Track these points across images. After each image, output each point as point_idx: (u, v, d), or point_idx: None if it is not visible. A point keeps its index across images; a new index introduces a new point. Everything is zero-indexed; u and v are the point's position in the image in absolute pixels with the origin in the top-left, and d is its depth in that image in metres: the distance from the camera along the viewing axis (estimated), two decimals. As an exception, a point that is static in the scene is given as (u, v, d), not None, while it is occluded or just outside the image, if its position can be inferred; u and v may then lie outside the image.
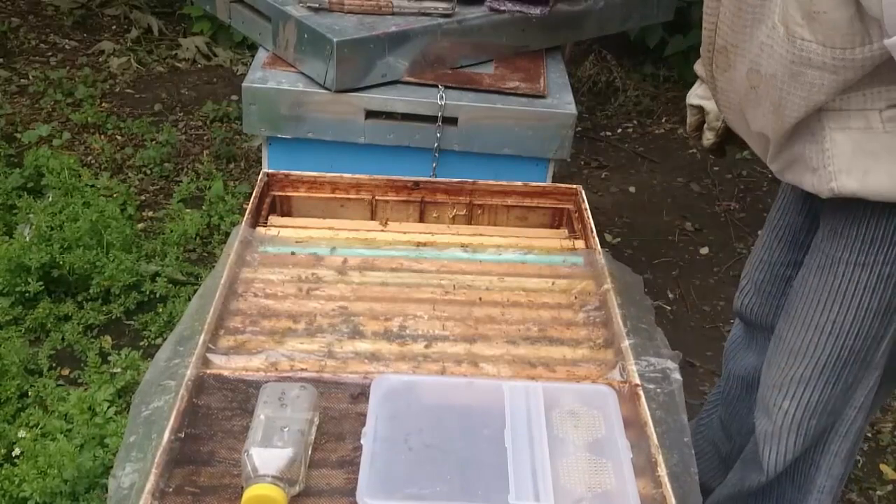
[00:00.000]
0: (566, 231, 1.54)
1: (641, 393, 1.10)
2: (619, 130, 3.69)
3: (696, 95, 1.55)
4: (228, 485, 0.97)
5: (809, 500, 1.49)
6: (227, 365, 1.14)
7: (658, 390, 1.12)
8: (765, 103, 1.23)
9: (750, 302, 1.65)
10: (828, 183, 1.22)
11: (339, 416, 1.07)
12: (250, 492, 0.91)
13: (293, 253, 1.38)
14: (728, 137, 1.55)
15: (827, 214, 1.33)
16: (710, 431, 1.79)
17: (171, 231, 2.67)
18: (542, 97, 1.81)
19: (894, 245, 1.26)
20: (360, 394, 1.09)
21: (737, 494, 1.60)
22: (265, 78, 1.78)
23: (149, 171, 3.10)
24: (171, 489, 0.96)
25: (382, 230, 1.48)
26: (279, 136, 1.80)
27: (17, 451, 1.89)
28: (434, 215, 1.57)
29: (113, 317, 2.37)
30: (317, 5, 1.81)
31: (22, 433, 1.93)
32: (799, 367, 1.38)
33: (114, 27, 4.17)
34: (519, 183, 1.57)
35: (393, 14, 1.83)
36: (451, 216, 1.57)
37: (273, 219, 1.50)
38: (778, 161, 1.30)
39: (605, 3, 2.08)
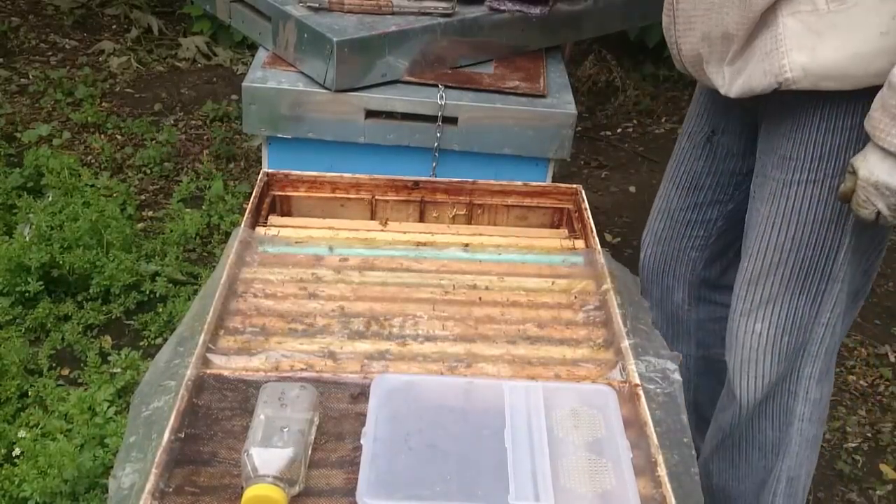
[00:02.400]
0: (566, 231, 1.54)
1: (641, 393, 1.10)
2: (619, 130, 3.69)
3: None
4: (228, 485, 0.97)
5: (791, 431, 1.50)
6: (227, 365, 1.14)
7: (658, 390, 1.12)
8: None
9: (652, 254, 1.76)
10: (779, 61, 1.30)
11: (339, 416, 1.07)
12: (250, 492, 0.91)
13: (293, 253, 1.38)
14: None
15: (769, 144, 1.42)
16: None
17: (171, 231, 2.67)
18: (542, 97, 1.81)
19: (839, 158, 1.35)
20: (360, 394, 1.09)
21: (718, 448, 1.61)
22: (265, 77, 1.78)
23: (149, 171, 3.10)
24: (171, 489, 0.96)
25: (382, 230, 1.48)
26: (279, 135, 1.79)
27: (17, 451, 1.89)
28: (434, 215, 1.57)
29: (113, 317, 2.37)
30: (317, 5, 1.80)
31: (22, 433, 1.93)
32: (765, 288, 1.44)
33: (114, 27, 4.17)
34: (519, 183, 1.56)
35: (393, 14, 1.83)
36: (451, 216, 1.56)
37: (273, 218, 1.50)
38: (737, 62, 1.37)
39: (605, 2, 2.08)
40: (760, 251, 1.44)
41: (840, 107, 1.32)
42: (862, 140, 1.30)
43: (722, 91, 1.41)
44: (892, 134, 1.20)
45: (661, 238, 1.74)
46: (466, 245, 1.43)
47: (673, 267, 1.75)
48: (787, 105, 1.38)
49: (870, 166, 1.25)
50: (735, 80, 1.38)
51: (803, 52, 1.28)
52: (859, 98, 1.29)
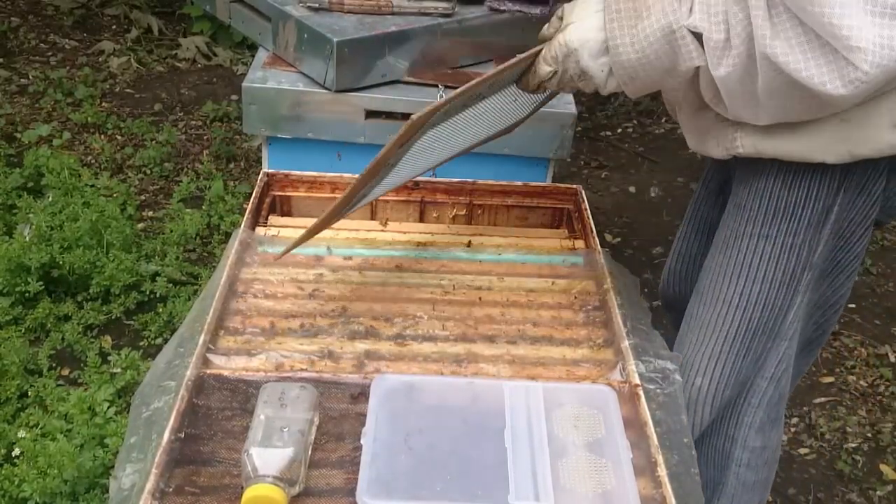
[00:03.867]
0: (566, 231, 1.54)
1: (641, 393, 1.11)
2: (619, 130, 3.69)
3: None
4: (228, 485, 0.97)
5: (728, 474, 1.48)
6: (227, 365, 1.14)
7: (658, 390, 1.12)
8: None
9: (673, 291, 1.72)
10: (731, 137, 1.23)
11: (339, 416, 1.07)
12: (250, 492, 0.91)
13: (293, 253, 1.38)
14: None
15: (733, 192, 1.35)
16: None
17: (171, 231, 2.67)
18: (542, 97, 1.81)
19: (794, 217, 1.27)
20: (360, 394, 1.09)
21: None
22: (265, 78, 1.78)
23: (149, 171, 3.10)
24: (171, 489, 0.96)
25: (382, 230, 1.48)
26: (279, 135, 1.79)
27: (17, 451, 1.89)
28: (434, 215, 1.57)
29: (113, 317, 2.37)
30: (317, 5, 1.80)
31: (22, 433, 1.93)
32: (709, 342, 1.39)
33: (114, 27, 4.17)
34: (519, 183, 1.57)
35: (393, 14, 1.83)
36: (451, 216, 1.57)
37: (273, 219, 1.50)
38: (692, 123, 1.32)
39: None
40: (711, 301, 1.38)
41: (801, 164, 1.23)
42: (821, 200, 1.24)
43: (690, 146, 1.37)
44: (623, 37, 1.14)
45: (682, 278, 1.70)
46: (468, 243, 1.43)
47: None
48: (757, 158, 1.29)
49: (582, 36, 1.17)
50: (693, 139, 1.34)
51: (757, 137, 1.21)
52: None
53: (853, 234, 1.31)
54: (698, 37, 1.10)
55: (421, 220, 1.56)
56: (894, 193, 1.29)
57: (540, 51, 1.22)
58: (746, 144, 1.22)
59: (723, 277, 1.35)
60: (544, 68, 1.22)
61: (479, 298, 1.31)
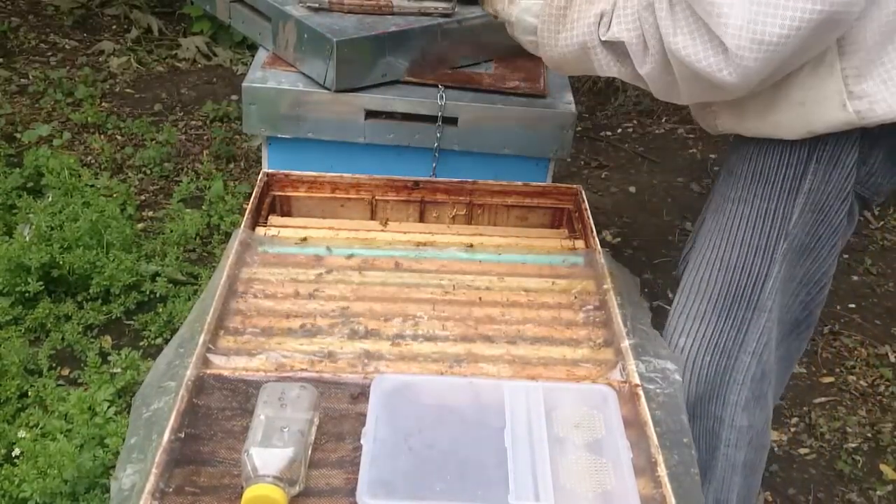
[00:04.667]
0: (566, 231, 1.54)
1: (641, 393, 1.11)
2: (619, 130, 3.69)
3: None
4: (228, 485, 0.97)
5: (717, 455, 1.50)
6: (227, 365, 1.14)
7: (658, 390, 1.12)
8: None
9: None
10: (714, 118, 1.36)
11: (339, 416, 1.07)
12: (250, 492, 0.91)
13: (293, 253, 1.38)
14: None
15: (726, 159, 1.43)
16: None
17: (171, 231, 2.67)
18: (542, 97, 1.81)
19: (769, 181, 1.33)
20: (360, 394, 1.09)
21: None
22: (265, 78, 1.78)
23: (149, 171, 3.10)
24: (171, 489, 0.96)
25: (382, 230, 1.48)
26: (279, 135, 1.79)
27: (17, 451, 1.89)
28: (434, 215, 1.57)
29: (113, 317, 2.37)
30: (317, 5, 1.80)
31: (22, 433, 1.93)
32: (693, 303, 1.43)
33: (114, 27, 4.17)
34: (519, 183, 1.57)
35: (393, 14, 1.83)
36: (451, 216, 1.57)
37: (273, 219, 1.50)
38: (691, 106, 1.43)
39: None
40: (696, 264, 1.44)
41: None
42: (792, 166, 1.31)
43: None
44: (549, 38, 1.33)
45: None
46: (470, 245, 1.43)
47: None
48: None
49: (519, 15, 1.39)
50: (692, 110, 1.44)
51: (732, 118, 1.32)
52: None
53: (830, 208, 1.34)
54: (619, 45, 1.24)
55: (421, 220, 1.56)
56: (877, 170, 1.33)
57: None
58: (725, 126, 1.34)
59: (708, 242, 1.42)
60: (488, 9, 1.49)
61: (479, 298, 1.31)
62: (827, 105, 1.23)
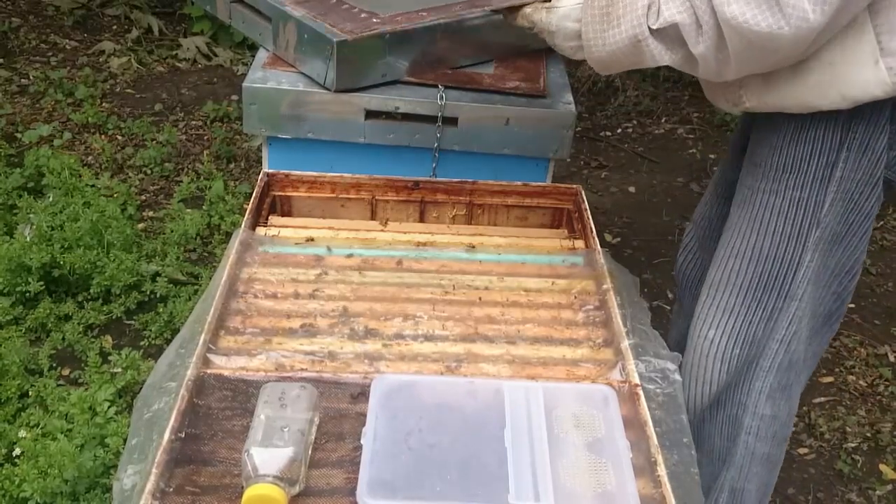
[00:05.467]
0: (566, 231, 1.54)
1: (641, 393, 1.11)
2: (619, 130, 3.69)
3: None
4: (228, 485, 0.97)
5: (738, 443, 1.51)
6: (228, 365, 1.14)
7: (658, 390, 1.12)
8: None
9: (693, 259, 1.78)
10: (737, 92, 1.35)
11: (339, 416, 1.07)
12: (250, 492, 0.91)
13: (293, 253, 1.38)
14: None
15: (749, 150, 1.44)
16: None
17: (172, 231, 2.67)
18: (542, 97, 1.81)
19: (801, 171, 1.34)
20: (360, 394, 1.09)
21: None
22: (265, 78, 1.78)
23: (149, 171, 3.10)
24: (171, 489, 0.96)
25: (382, 230, 1.48)
26: (279, 136, 1.79)
27: (17, 451, 1.89)
28: (434, 215, 1.57)
29: (113, 317, 2.37)
30: (317, 5, 1.81)
31: (22, 433, 1.93)
32: (723, 296, 1.45)
33: (114, 27, 4.17)
34: (519, 183, 1.57)
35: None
36: (451, 216, 1.57)
37: (273, 219, 1.50)
38: (704, 87, 1.45)
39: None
40: (724, 257, 1.45)
41: (805, 117, 1.32)
42: (825, 155, 1.32)
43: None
44: (595, 39, 1.30)
45: (704, 244, 1.75)
46: (471, 245, 1.43)
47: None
48: (769, 116, 1.39)
49: (560, 23, 1.34)
50: (707, 92, 1.44)
51: (757, 90, 1.32)
52: (829, 112, 1.29)
53: (861, 195, 1.36)
54: (671, 30, 1.23)
55: (421, 220, 1.56)
56: None
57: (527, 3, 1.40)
58: (752, 99, 1.33)
59: (737, 233, 1.43)
60: (523, 23, 1.41)
61: (479, 298, 1.31)
62: (859, 63, 1.22)
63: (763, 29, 1.14)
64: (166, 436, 0.99)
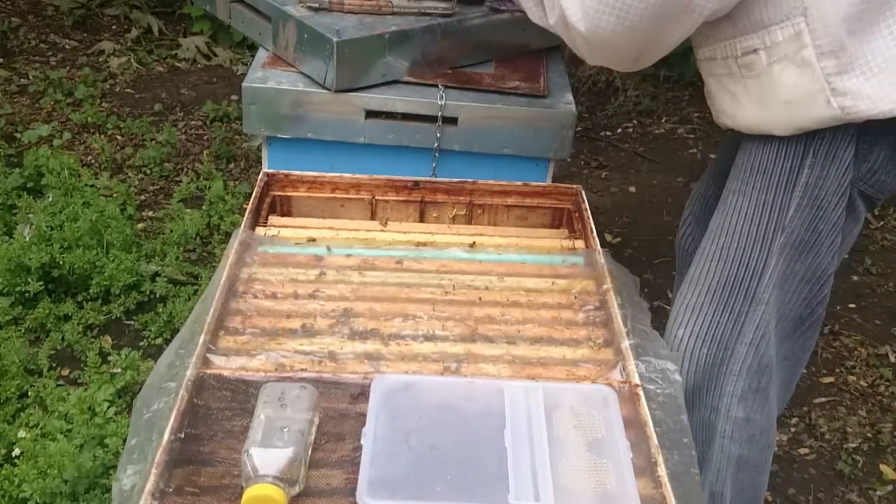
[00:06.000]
0: (566, 231, 1.54)
1: (641, 393, 1.11)
2: (619, 130, 3.69)
3: None
4: (228, 485, 0.97)
5: (713, 447, 1.51)
6: (227, 365, 1.14)
7: (658, 390, 1.12)
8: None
9: (690, 232, 1.83)
10: (714, 107, 1.45)
11: (339, 416, 1.07)
12: (250, 492, 0.91)
13: (293, 253, 1.38)
14: None
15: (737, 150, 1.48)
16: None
17: (171, 231, 2.67)
18: (542, 97, 1.81)
19: (767, 173, 1.36)
20: (360, 394, 1.09)
21: None
22: (265, 78, 1.78)
23: (149, 171, 3.10)
24: (171, 489, 0.96)
25: (382, 230, 1.48)
26: (279, 135, 1.79)
27: (17, 452, 1.89)
28: (434, 215, 1.57)
29: (113, 317, 2.37)
30: (317, 5, 1.80)
31: (22, 433, 1.93)
32: (692, 296, 1.46)
33: (114, 27, 4.17)
34: (519, 183, 1.57)
35: (393, 14, 1.83)
36: (451, 216, 1.57)
37: (273, 219, 1.50)
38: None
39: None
40: (698, 256, 1.47)
41: None
42: (789, 159, 1.34)
43: None
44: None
45: (700, 221, 1.80)
46: (473, 244, 1.43)
47: None
48: None
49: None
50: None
51: (727, 110, 1.40)
52: None
53: (829, 204, 1.36)
54: None
55: (421, 220, 1.56)
56: (880, 167, 1.35)
57: None
58: (724, 122, 1.43)
59: (710, 235, 1.46)
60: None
61: (479, 298, 1.31)
62: (812, 103, 1.26)
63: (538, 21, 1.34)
64: (166, 436, 0.99)
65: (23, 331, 2.26)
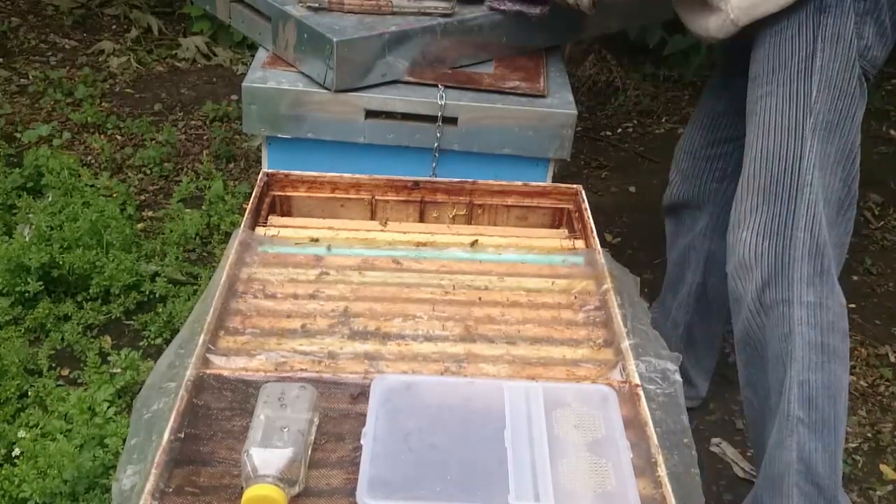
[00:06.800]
0: (566, 231, 1.54)
1: (641, 393, 1.10)
2: (619, 130, 3.69)
3: None
4: (228, 485, 0.97)
5: (794, 338, 1.55)
6: (227, 365, 1.14)
7: (658, 390, 1.12)
8: None
9: (678, 191, 2.04)
10: (707, 32, 1.62)
11: (339, 416, 1.07)
12: (250, 492, 0.91)
13: (293, 253, 1.38)
14: None
15: (750, 70, 1.62)
16: (662, 317, 2.17)
17: (171, 231, 2.67)
18: (542, 97, 1.81)
19: (786, 68, 1.54)
20: (360, 394, 1.09)
21: (740, 350, 1.68)
22: (265, 78, 1.78)
23: (149, 171, 3.10)
24: (170, 489, 0.96)
25: (382, 230, 1.48)
26: (279, 135, 1.79)
27: (16, 452, 1.89)
28: (434, 215, 1.57)
29: (113, 317, 2.37)
30: (316, 5, 1.80)
31: (22, 433, 1.93)
32: (746, 201, 1.59)
33: (114, 27, 4.17)
34: (519, 183, 1.57)
35: (393, 14, 1.83)
36: (451, 216, 1.56)
37: (273, 219, 1.50)
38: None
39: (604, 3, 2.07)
40: (744, 167, 1.59)
41: (781, 22, 1.53)
42: (803, 49, 1.51)
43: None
44: None
45: (687, 174, 2.00)
46: (471, 244, 1.43)
47: (696, 198, 2.01)
48: (755, 37, 1.60)
49: None
50: (693, 27, 1.66)
51: (742, 6, 1.54)
52: (795, 11, 1.51)
53: (844, 81, 1.52)
54: None
55: (421, 220, 1.56)
56: (872, 43, 1.54)
57: None
58: (741, 17, 1.56)
59: (749, 145, 1.59)
60: None
61: (479, 298, 1.31)
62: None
63: None
64: (166, 436, 0.99)
65: (23, 331, 2.26)
